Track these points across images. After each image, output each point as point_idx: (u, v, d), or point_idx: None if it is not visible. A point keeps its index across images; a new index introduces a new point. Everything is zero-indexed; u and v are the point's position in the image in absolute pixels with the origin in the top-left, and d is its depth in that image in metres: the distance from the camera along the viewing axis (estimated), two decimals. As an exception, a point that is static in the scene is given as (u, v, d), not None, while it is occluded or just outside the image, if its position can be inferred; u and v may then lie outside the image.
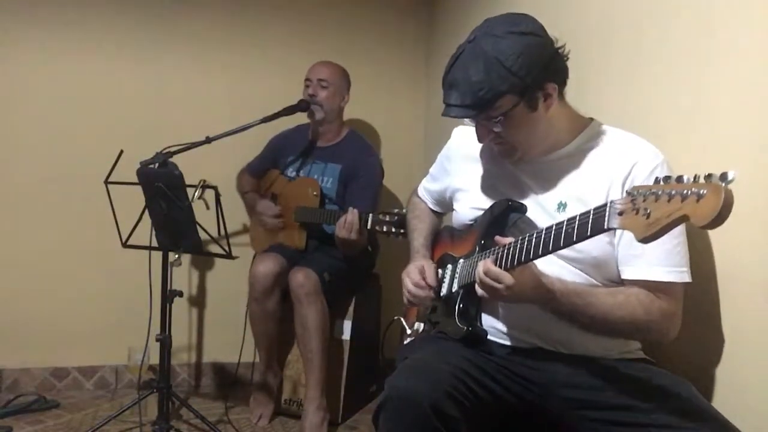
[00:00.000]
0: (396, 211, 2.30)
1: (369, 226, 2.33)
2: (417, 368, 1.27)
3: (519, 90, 1.30)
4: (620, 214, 0.94)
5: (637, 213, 0.88)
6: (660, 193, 0.83)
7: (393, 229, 2.28)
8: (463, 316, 1.42)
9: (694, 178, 0.81)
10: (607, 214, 0.99)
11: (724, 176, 0.76)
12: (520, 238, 1.22)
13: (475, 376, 1.28)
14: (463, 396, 1.22)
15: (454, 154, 1.65)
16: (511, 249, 1.23)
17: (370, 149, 2.86)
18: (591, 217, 1.03)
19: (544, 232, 1.16)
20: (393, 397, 1.22)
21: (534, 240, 1.18)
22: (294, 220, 2.69)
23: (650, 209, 0.85)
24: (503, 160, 1.46)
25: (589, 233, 1.03)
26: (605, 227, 0.99)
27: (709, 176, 0.78)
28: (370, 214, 2.33)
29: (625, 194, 0.94)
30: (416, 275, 1.58)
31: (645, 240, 0.89)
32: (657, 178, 0.88)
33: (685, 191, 0.80)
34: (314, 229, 2.70)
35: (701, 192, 0.77)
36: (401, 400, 1.20)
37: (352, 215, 2.40)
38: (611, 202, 0.98)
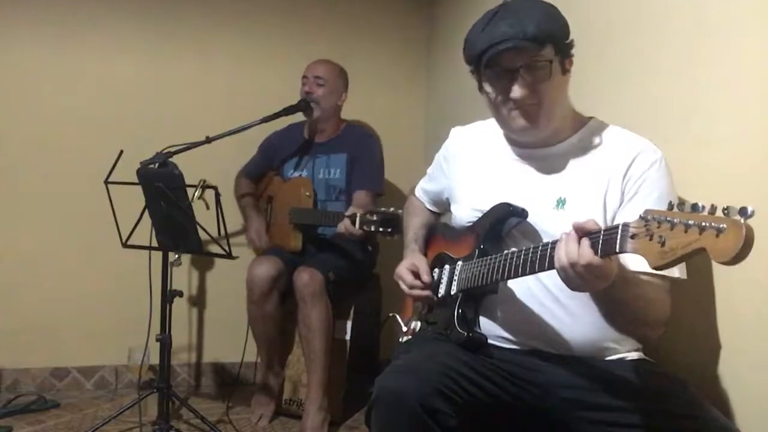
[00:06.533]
0: (383, 210, 2.17)
1: (357, 226, 2.23)
2: (406, 367, 1.27)
3: (560, 44, 1.32)
4: (632, 237, 0.92)
5: (650, 239, 0.87)
6: (676, 221, 0.82)
7: (381, 228, 2.16)
8: (462, 321, 1.41)
9: (711, 208, 0.79)
10: (618, 236, 0.97)
11: (743, 211, 0.75)
12: (524, 250, 1.22)
13: (468, 375, 1.27)
14: (453, 392, 1.21)
15: (451, 155, 1.63)
16: (513, 259, 1.23)
17: (369, 132, 2.88)
18: (601, 237, 1.01)
19: (549, 247, 1.14)
20: (382, 396, 1.22)
21: (538, 254, 1.17)
22: (289, 222, 2.67)
23: (665, 237, 0.84)
24: (519, 132, 1.38)
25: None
26: (617, 250, 0.97)
27: (727, 209, 0.77)
28: (358, 215, 2.23)
29: (638, 218, 0.92)
30: (409, 277, 1.55)
31: (659, 268, 0.88)
32: (671, 203, 0.87)
33: (703, 223, 0.79)
34: (310, 231, 2.68)
35: (721, 227, 0.76)
36: (390, 399, 1.20)
37: (348, 225, 2.30)
38: (623, 224, 0.96)
